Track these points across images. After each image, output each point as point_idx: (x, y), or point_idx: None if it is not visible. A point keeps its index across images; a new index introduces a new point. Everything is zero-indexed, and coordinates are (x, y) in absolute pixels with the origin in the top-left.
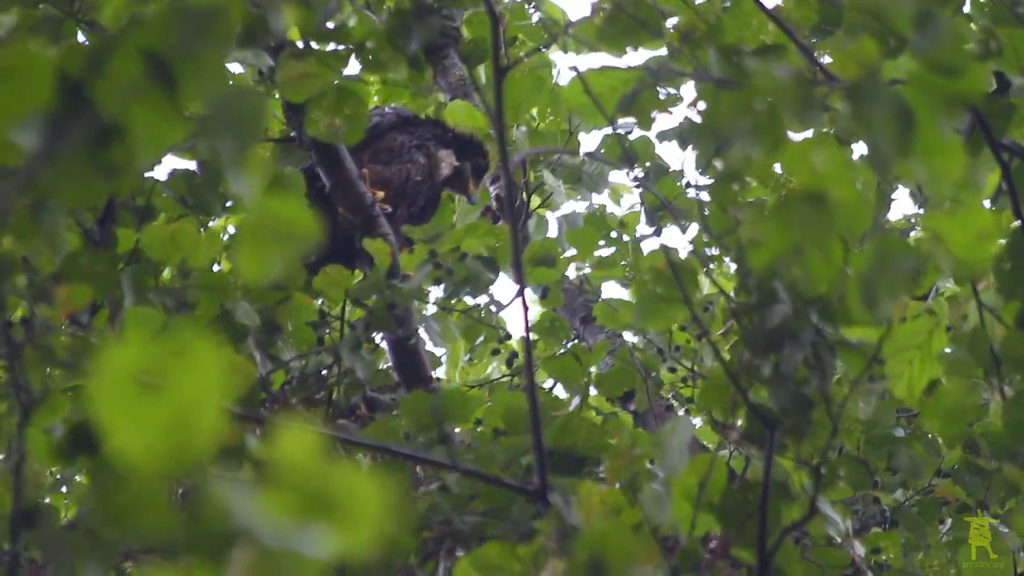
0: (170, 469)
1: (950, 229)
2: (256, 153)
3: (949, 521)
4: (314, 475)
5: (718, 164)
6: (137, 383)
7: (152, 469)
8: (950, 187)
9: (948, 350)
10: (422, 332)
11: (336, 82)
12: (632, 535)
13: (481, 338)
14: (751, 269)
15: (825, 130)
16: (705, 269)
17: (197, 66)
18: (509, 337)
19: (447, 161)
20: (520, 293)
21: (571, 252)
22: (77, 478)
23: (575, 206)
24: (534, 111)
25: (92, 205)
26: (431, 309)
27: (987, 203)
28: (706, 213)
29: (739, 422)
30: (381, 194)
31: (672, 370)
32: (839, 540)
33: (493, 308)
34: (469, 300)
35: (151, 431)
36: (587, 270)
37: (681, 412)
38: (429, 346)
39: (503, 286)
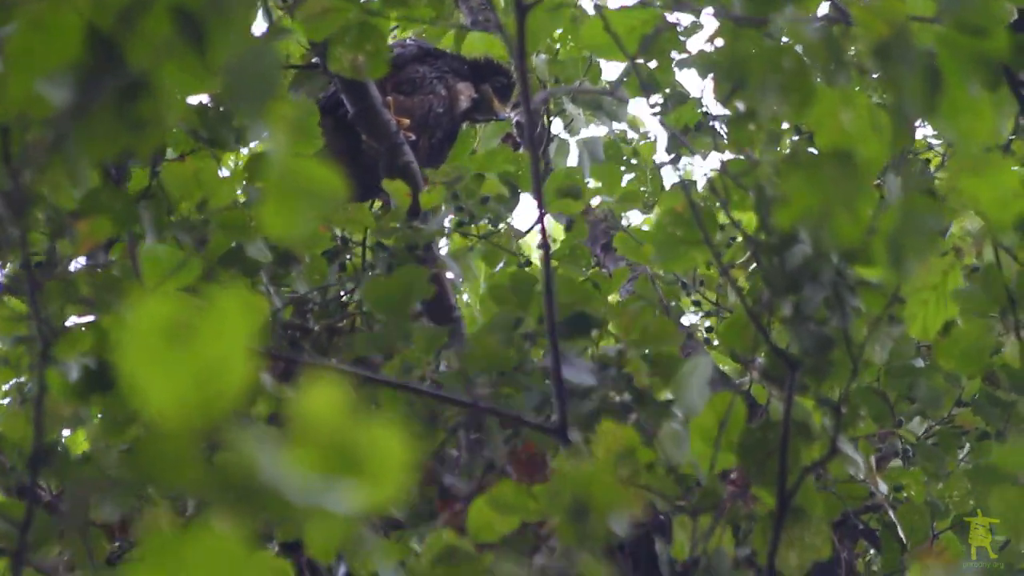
0: (198, 422)
1: (977, 188)
2: (277, 110)
3: (967, 447)
4: (342, 431)
5: (736, 104)
6: (166, 336)
7: (181, 422)
8: (978, 146)
9: (963, 289)
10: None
11: (357, 18)
12: (615, 481)
13: (501, 264)
14: (774, 225)
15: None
16: (723, 203)
17: (226, 24)
18: (529, 263)
19: (466, 94)
20: (540, 219)
21: (594, 184)
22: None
23: (596, 130)
24: (555, 36)
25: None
26: (450, 239)
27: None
28: (725, 153)
29: (760, 360)
30: (406, 122)
31: (696, 303)
32: (861, 476)
33: (513, 234)
34: (489, 225)
35: (180, 384)
36: (608, 201)
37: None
38: (450, 273)
39: (524, 213)
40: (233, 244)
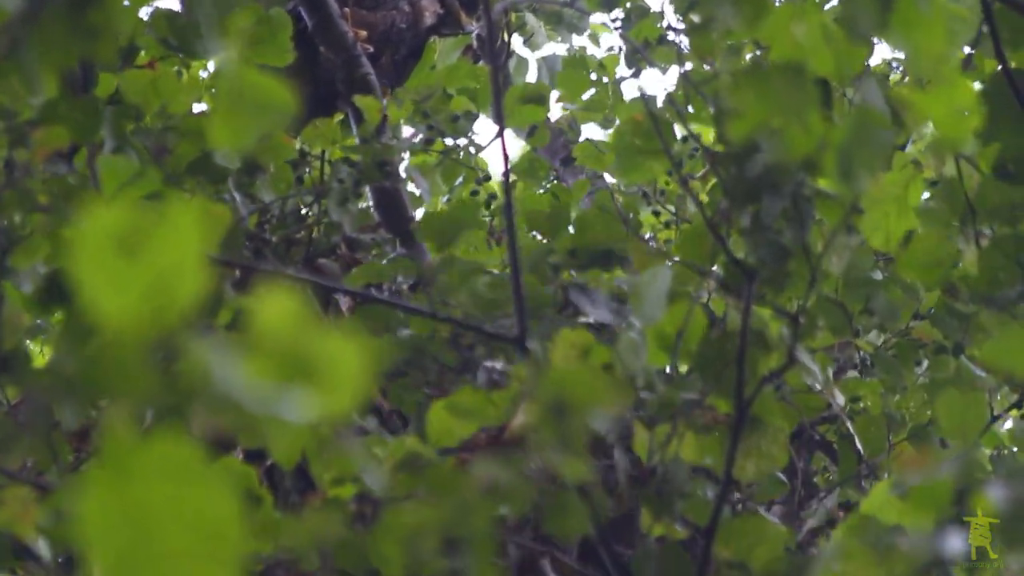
0: (150, 332)
1: (930, 103)
2: (235, 20)
3: (926, 363)
4: (297, 339)
5: (694, 17)
6: (117, 245)
7: (132, 332)
8: (931, 62)
9: (924, 200)
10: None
11: None
12: (598, 377)
13: (460, 179)
14: (729, 137)
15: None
16: (682, 115)
17: None
18: (488, 179)
19: (431, 9)
20: (500, 134)
21: (556, 94)
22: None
23: (556, 48)
24: None
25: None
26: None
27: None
28: (686, 65)
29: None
30: (363, 34)
31: (656, 213)
32: (818, 387)
33: (472, 149)
34: (448, 141)
35: (131, 294)
36: (571, 110)
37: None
38: (410, 187)
39: (483, 128)
40: (201, 152)
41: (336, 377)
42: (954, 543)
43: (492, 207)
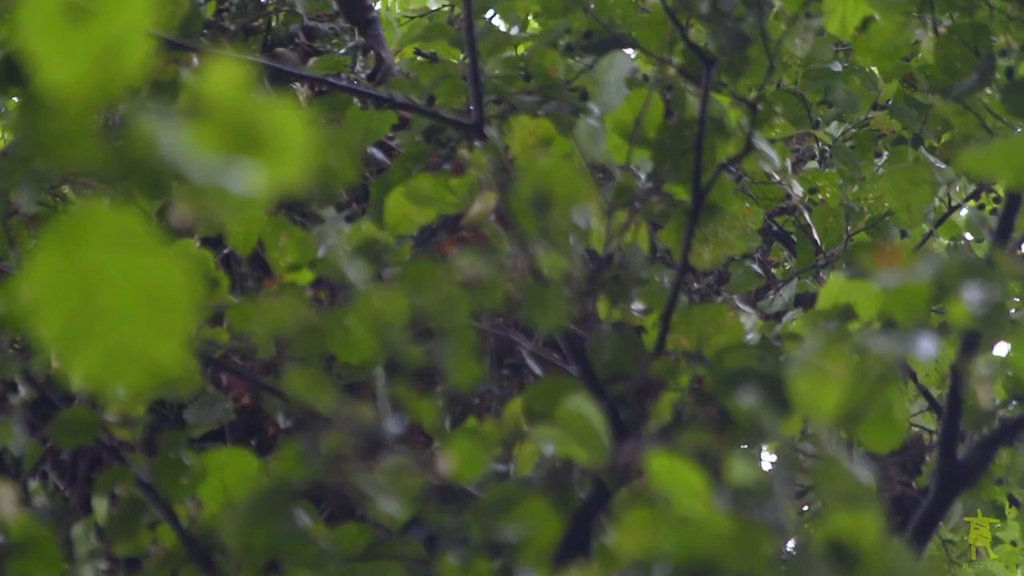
0: (98, 100)
1: None
2: None
3: (885, 154)
4: (243, 108)
5: None
6: (64, 11)
7: (80, 100)
8: None
9: None
10: None
11: None
12: (577, 172)
13: None
14: None
15: None
16: None
17: None
18: None
19: None
20: None
21: None
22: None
23: None
24: None
25: None
26: None
27: None
28: None
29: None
30: None
31: None
32: (776, 178)
33: None
34: None
35: (79, 61)
36: None
37: None
38: None
39: None
40: None
41: (283, 147)
42: (927, 345)
43: None
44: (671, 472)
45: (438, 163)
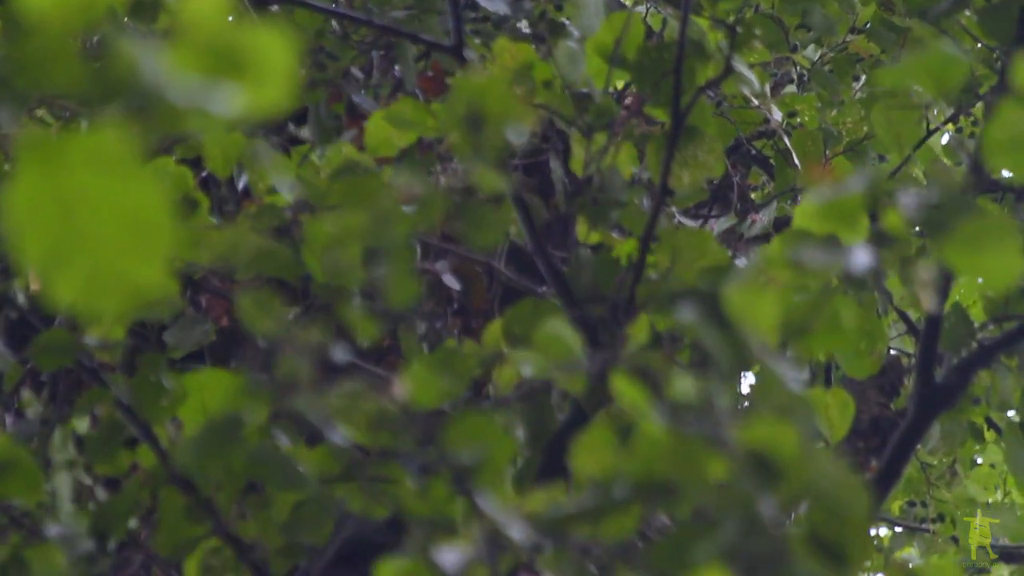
0: (78, 21)
1: None
2: None
3: (863, 78)
4: (224, 31)
5: None
6: None
7: (60, 21)
8: None
9: None
10: None
11: None
12: (509, 88)
13: None
14: None
15: None
16: None
17: None
18: None
19: None
20: None
21: None
22: None
23: None
24: None
25: None
26: None
27: None
28: None
29: None
30: None
31: None
32: (755, 102)
33: None
34: None
35: None
36: None
37: None
38: None
39: None
40: None
41: (263, 70)
42: (860, 257)
43: None
44: (630, 391)
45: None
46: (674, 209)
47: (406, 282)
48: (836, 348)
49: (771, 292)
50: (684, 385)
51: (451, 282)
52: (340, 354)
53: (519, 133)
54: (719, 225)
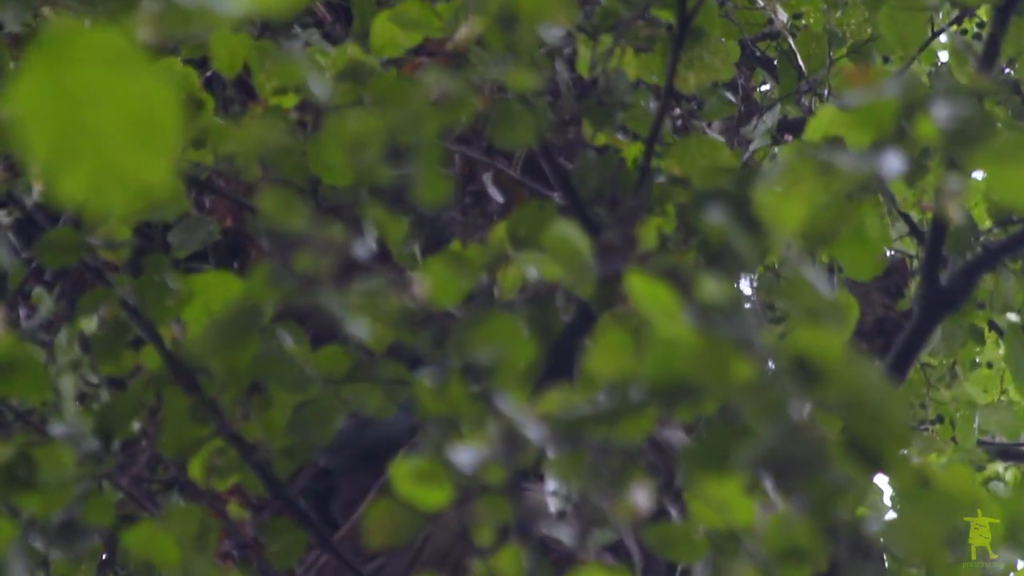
0: None
1: None
2: None
3: None
4: None
5: None
6: None
7: None
8: None
9: None
10: None
11: None
12: None
13: None
14: None
15: None
16: None
17: None
18: None
19: None
20: None
21: None
22: None
23: None
24: None
25: None
26: None
27: None
28: None
29: None
30: None
31: None
32: (760, 3)
33: None
34: None
35: None
36: None
37: None
38: None
39: None
40: None
41: None
42: (892, 162)
43: None
44: (648, 292)
45: None
46: (680, 111)
47: (436, 181)
48: (855, 254)
49: (799, 195)
50: (712, 287)
51: (495, 194)
52: (361, 251)
53: (553, 32)
54: (723, 127)
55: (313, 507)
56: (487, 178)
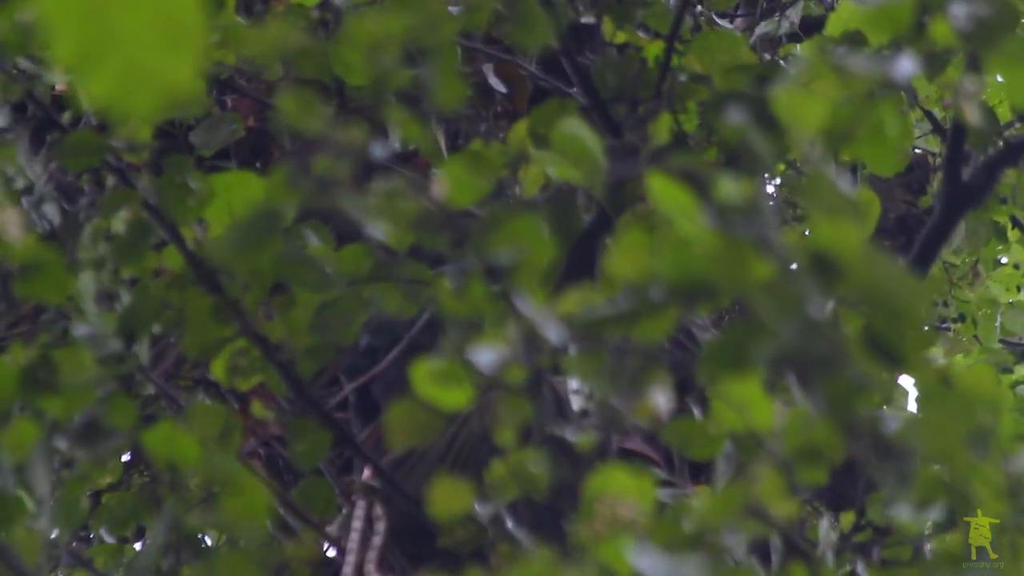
0: None
1: None
2: None
3: None
4: None
5: None
6: None
7: None
8: None
9: None
10: None
11: None
12: None
13: None
14: None
15: None
16: None
17: None
18: None
19: None
20: None
21: None
22: None
23: None
24: None
25: None
26: None
27: None
28: None
29: None
30: None
31: None
32: None
33: None
34: None
35: None
36: None
37: None
38: None
39: None
40: None
41: None
42: (905, 64)
43: None
44: (667, 192)
45: None
46: (700, 8)
47: (453, 83)
48: (877, 151)
49: (818, 96)
50: (731, 187)
51: (497, 84)
52: (380, 152)
53: None
54: (745, 24)
55: (354, 388)
56: (487, 69)
